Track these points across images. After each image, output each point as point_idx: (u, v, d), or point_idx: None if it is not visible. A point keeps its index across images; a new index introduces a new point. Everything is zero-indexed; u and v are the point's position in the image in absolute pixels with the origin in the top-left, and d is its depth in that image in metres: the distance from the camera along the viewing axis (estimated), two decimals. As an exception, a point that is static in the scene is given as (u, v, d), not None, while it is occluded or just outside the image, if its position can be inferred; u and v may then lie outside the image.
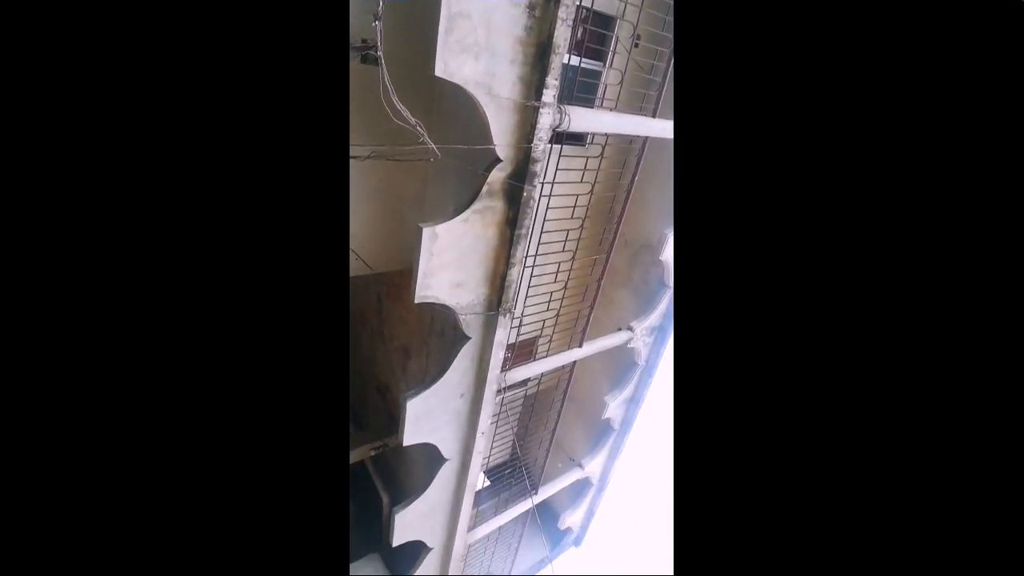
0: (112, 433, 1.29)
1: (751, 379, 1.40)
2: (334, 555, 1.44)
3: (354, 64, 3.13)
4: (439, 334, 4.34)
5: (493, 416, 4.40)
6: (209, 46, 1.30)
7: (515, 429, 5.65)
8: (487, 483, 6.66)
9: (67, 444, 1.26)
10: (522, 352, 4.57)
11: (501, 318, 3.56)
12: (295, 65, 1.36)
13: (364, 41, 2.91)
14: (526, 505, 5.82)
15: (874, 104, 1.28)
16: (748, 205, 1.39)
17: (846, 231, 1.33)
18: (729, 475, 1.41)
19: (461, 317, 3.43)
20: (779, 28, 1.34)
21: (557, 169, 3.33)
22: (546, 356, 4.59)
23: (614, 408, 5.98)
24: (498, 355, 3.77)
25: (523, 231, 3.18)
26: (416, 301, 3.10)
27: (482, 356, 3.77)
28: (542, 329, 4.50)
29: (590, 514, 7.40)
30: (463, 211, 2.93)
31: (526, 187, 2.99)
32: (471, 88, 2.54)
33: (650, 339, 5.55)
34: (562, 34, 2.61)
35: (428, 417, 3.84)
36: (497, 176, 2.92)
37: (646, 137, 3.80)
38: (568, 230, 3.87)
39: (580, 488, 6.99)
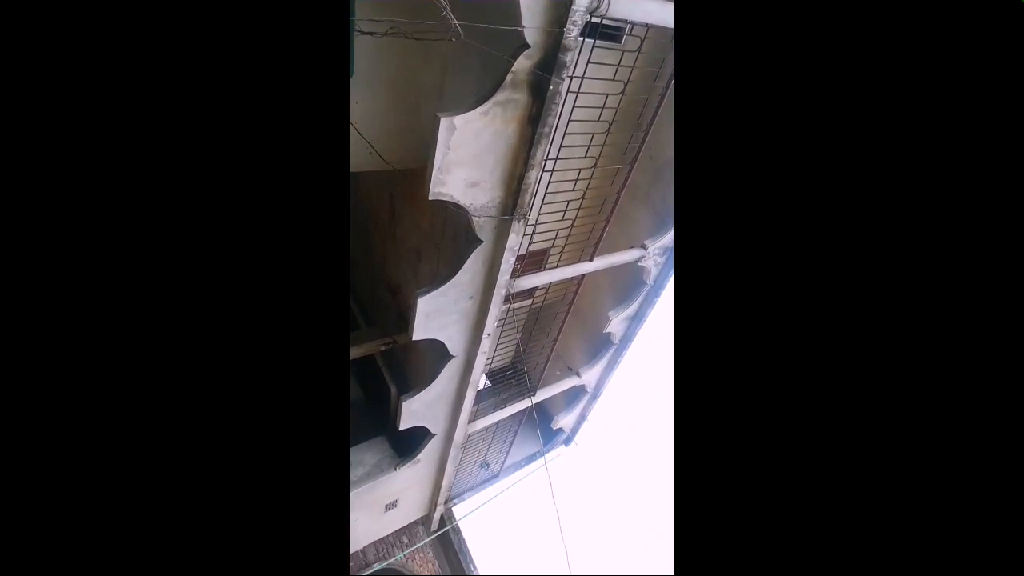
0: (107, 406, 1.28)
1: (752, 378, 1.39)
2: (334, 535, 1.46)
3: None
4: (452, 238, 4.32)
5: (499, 320, 4.52)
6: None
7: (519, 335, 5.85)
8: (488, 385, 7.06)
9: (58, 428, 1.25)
10: (532, 261, 4.58)
11: (515, 223, 3.50)
12: None
13: None
14: (524, 404, 6.22)
15: (882, 93, 1.27)
16: (750, 200, 1.38)
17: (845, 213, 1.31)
18: (729, 474, 1.41)
19: (475, 219, 3.38)
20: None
21: (589, 62, 3.05)
22: (556, 267, 4.60)
23: (616, 324, 6.12)
24: (509, 261, 3.77)
25: (546, 130, 3.01)
26: (430, 198, 3.03)
27: (493, 260, 3.78)
28: (554, 239, 4.45)
29: (582, 418, 7.93)
30: (484, 102, 2.74)
31: (553, 79, 2.77)
32: (502, -47, 2.24)
33: (661, 259, 5.51)
34: None
35: (437, 315, 3.95)
36: (523, 65, 2.68)
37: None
38: (593, 134, 3.66)
39: (575, 395, 7.41)
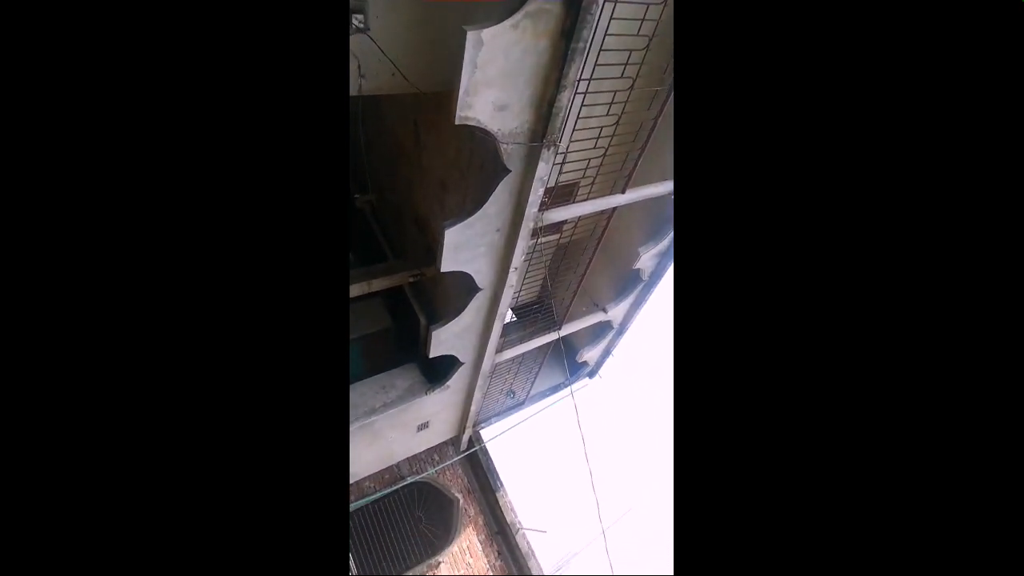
0: (105, 391, 1.27)
1: (752, 377, 1.38)
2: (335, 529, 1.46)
3: None
4: (478, 168, 4.19)
5: (526, 255, 4.49)
6: None
7: (546, 271, 5.83)
8: (514, 319, 7.18)
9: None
10: (561, 194, 4.43)
11: (544, 151, 3.35)
12: None
13: None
14: (549, 338, 6.33)
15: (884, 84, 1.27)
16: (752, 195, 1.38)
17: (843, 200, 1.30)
18: (730, 473, 1.40)
19: (502, 146, 3.24)
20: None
21: (630, -36, 2.73)
22: (586, 200, 4.45)
23: (646, 260, 6.00)
24: (537, 192, 3.66)
25: (580, 45, 2.76)
26: (456, 123, 2.90)
27: (521, 191, 3.67)
28: (585, 169, 4.26)
29: (607, 353, 8.06)
30: (514, 14, 2.52)
31: (590, -15, 2.50)
32: None
33: (697, 192, 5.25)
34: None
35: (465, 247, 3.94)
36: (557, -33, 2.42)
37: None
38: (631, 51, 3.36)
39: (601, 330, 7.48)
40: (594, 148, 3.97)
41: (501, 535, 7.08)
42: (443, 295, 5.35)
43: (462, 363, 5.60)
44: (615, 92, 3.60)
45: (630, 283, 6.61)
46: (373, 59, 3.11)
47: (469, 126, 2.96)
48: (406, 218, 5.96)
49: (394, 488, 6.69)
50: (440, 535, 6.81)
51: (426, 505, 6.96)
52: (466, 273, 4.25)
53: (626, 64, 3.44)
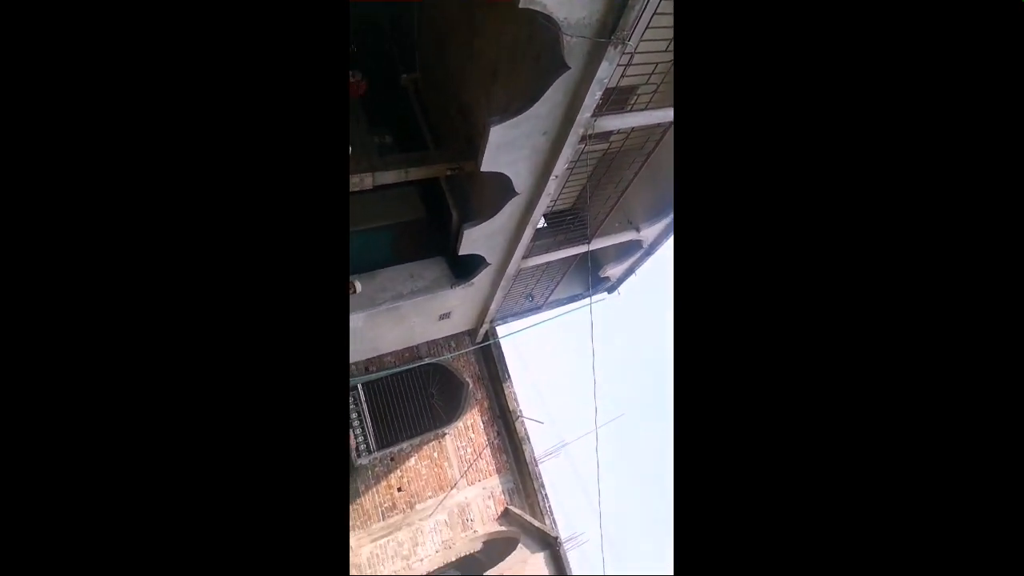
0: (108, 387, 1.25)
1: (752, 376, 1.37)
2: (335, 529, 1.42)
3: None
4: (534, 59, 3.85)
5: (569, 162, 4.30)
6: None
7: (587, 180, 5.63)
8: (545, 225, 7.12)
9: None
10: (617, 100, 4.09)
11: (611, 49, 3.04)
12: None
13: None
14: (578, 250, 6.32)
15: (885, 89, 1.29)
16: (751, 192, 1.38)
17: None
18: (730, 473, 1.39)
19: (565, 38, 2.95)
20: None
21: None
22: (644, 109, 4.12)
23: (693, 183, 5.70)
24: (595, 95, 3.40)
25: (677, -78, 2.36)
26: (520, 5, 2.62)
27: (577, 92, 3.42)
28: (650, 75, 3.89)
29: (630, 271, 8.06)
30: None
31: None
32: None
33: (766, 116, 4.79)
34: None
35: (508, 148, 3.80)
36: None
37: None
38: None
39: (629, 248, 7.40)
40: (665, 51, 3.57)
41: (502, 419, 7.81)
42: (479, 193, 5.27)
43: (489, 264, 5.70)
44: (703, -15, 3.13)
45: (669, 205, 6.37)
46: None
47: (533, 10, 2.68)
48: (450, 104, 5.67)
49: (412, 366, 7.28)
50: (449, 411, 7.55)
51: (439, 384, 7.62)
52: (505, 175, 4.14)
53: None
